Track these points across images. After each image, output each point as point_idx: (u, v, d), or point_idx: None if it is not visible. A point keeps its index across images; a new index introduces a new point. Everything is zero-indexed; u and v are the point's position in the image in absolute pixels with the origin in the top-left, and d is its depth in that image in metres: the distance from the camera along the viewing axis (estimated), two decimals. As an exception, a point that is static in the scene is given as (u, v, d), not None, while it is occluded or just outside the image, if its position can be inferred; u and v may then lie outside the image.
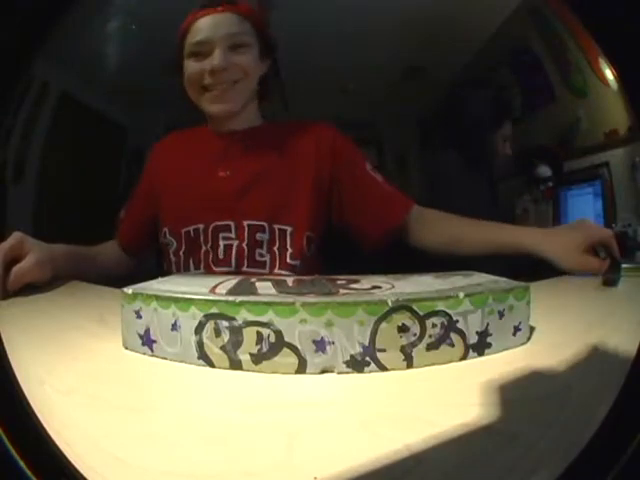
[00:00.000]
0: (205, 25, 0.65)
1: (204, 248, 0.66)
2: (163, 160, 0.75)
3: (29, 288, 0.50)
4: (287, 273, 0.64)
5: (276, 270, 0.64)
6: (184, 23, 0.67)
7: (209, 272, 0.65)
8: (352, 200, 0.68)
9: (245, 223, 0.64)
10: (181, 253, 0.68)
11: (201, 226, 0.66)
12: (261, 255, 0.65)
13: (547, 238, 0.58)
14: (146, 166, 0.76)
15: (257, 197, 0.66)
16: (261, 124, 0.73)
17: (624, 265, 0.56)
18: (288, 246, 0.64)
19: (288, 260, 0.64)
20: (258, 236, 0.64)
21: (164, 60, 0.72)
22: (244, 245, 0.65)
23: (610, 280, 0.50)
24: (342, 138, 0.70)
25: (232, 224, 0.65)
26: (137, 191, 0.76)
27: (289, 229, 0.65)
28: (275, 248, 0.65)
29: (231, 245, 0.65)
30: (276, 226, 0.65)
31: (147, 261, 0.78)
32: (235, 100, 0.68)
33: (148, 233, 0.73)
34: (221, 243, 0.65)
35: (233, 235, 0.65)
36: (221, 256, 0.65)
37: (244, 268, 0.64)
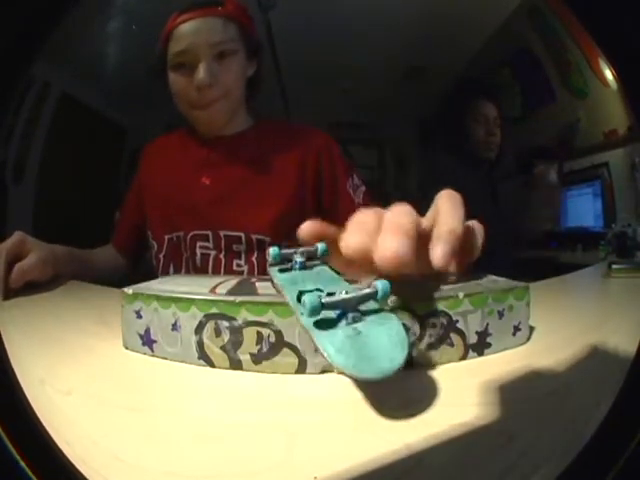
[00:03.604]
0: (187, 32, 0.60)
1: (185, 255, 0.66)
2: (151, 164, 0.74)
3: (29, 288, 0.50)
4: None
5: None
6: (165, 29, 0.62)
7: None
8: (328, 214, 0.67)
9: (222, 233, 0.63)
10: (161, 256, 0.68)
11: (181, 234, 0.66)
12: (239, 265, 0.64)
13: None
14: (138, 169, 0.76)
15: (235, 207, 0.64)
16: (249, 127, 0.71)
17: (623, 265, 0.56)
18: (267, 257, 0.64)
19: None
20: (235, 247, 0.63)
21: (150, 66, 0.68)
22: (221, 256, 0.64)
23: None
24: (330, 149, 0.67)
25: (210, 234, 0.64)
26: (130, 193, 0.76)
27: (267, 239, 0.63)
28: (253, 258, 0.63)
29: (208, 255, 0.64)
30: (253, 236, 0.63)
31: (148, 261, 0.78)
32: (222, 117, 0.65)
33: (141, 235, 0.73)
34: (198, 252, 0.64)
35: (211, 245, 0.64)
36: (198, 264, 0.65)
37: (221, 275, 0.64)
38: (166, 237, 0.67)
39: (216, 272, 0.64)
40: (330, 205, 0.67)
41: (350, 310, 0.22)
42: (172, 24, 0.61)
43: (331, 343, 0.20)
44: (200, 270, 0.65)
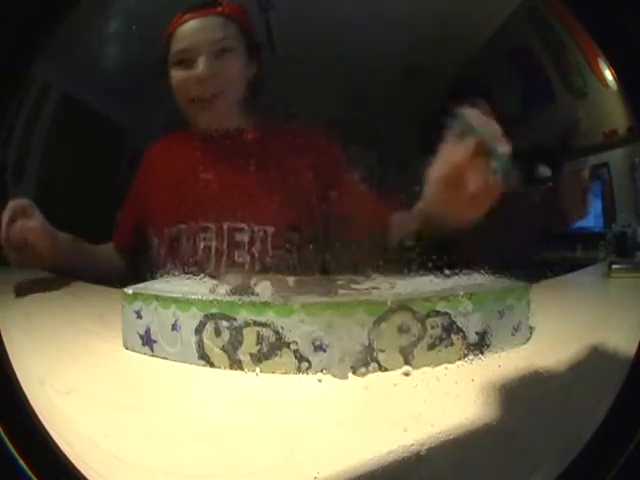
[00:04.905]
0: (189, 31, 0.63)
1: (184, 248, 0.69)
2: (152, 164, 0.78)
3: (31, 287, 0.50)
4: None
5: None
6: (169, 29, 0.65)
7: (190, 272, 0.68)
8: (332, 205, 0.69)
9: (225, 225, 0.67)
10: (162, 251, 0.70)
11: (183, 227, 0.69)
12: (240, 256, 0.67)
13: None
14: (140, 169, 0.79)
15: (237, 199, 0.68)
16: (247, 124, 0.74)
17: (623, 265, 0.56)
18: (269, 247, 0.66)
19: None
20: (237, 237, 0.66)
21: (153, 67, 0.74)
22: (223, 247, 0.66)
23: None
24: (331, 145, 0.70)
25: (212, 226, 0.66)
26: (131, 193, 0.78)
27: (270, 230, 0.67)
28: (254, 249, 0.66)
29: (209, 246, 0.67)
30: (257, 227, 0.66)
31: (147, 261, 0.78)
32: (221, 112, 0.66)
33: (142, 235, 0.75)
34: (201, 244, 0.67)
35: (212, 236, 0.68)
36: (200, 256, 0.67)
37: (222, 268, 0.66)
38: (166, 231, 0.70)
39: (217, 263, 0.66)
40: (334, 197, 0.69)
41: None
42: (175, 24, 0.64)
43: None
44: (201, 262, 0.67)
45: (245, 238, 0.66)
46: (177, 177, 0.72)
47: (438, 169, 0.41)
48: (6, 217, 0.49)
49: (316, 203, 0.69)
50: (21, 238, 0.50)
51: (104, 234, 0.80)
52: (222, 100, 0.64)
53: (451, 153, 0.40)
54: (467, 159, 0.37)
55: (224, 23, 0.64)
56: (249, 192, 0.68)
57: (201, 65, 0.61)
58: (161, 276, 0.41)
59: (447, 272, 0.37)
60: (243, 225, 0.64)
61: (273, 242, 0.65)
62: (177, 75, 0.64)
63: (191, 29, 0.63)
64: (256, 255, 0.65)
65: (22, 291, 0.48)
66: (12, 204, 0.51)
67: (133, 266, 0.79)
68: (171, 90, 0.66)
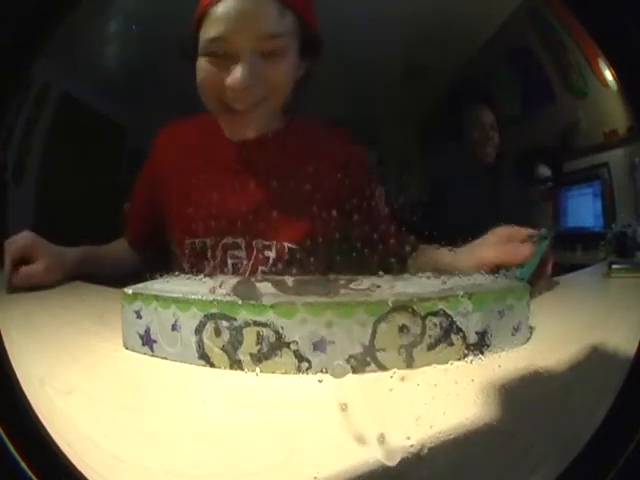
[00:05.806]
0: (228, 14, 0.48)
1: (212, 264, 0.63)
2: (166, 154, 0.66)
3: (34, 288, 0.50)
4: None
5: None
6: (198, 8, 0.50)
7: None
8: (354, 221, 0.64)
9: (254, 242, 0.60)
10: (183, 265, 0.66)
11: (208, 241, 0.63)
12: (263, 272, 0.63)
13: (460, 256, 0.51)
14: (149, 159, 0.70)
15: (270, 215, 0.59)
16: (282, 127, 0.62)
17: (623, 265, 0.56)
18: (293, 264, 0.61)
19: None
20: (264, 255, 0.61)
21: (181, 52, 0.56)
22: (251, 264, 0.62)
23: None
24: (363, 154, 0.61)
25: (242, 242, 0.60)
26: (139, 185, 0.71)
27: (298, 248, 0.62)
28: (279, 265, 0.62)
29: (238, 264, 0.62)
30: (286, 245, 0.61)
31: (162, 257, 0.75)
32: (259, 125, 0.55)
33: (154, 229, 0.69)
34: (229, 261, 0.63)
35: (242, 254, 0.64)
36: (229, 274, 0.63)
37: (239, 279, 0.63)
38: (187, 242, 0.64)
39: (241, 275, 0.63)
40: (359, 212, 0.64)
41: None
42: (208, 1, 0.49)
43: None
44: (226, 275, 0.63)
45: (272, 255, 0.60)
46: (201, 183, 0.64)
47: (495, 255, 0.44)
48: (7, 264, 0.47)
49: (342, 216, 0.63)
50: (27, 284, 0.49)
51: (109, 233, 0.78)
52: (261, 111, 0.54)
53: (521, 250, 0.45)
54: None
55: (280, 11, 0.49)
56: (281, 207, 0.62)
57: (241, 71, 0.48)
58: (161, 276, 0.41)
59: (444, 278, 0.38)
60: (272, 242, 0.60)
61: (295, 257, 0.61)
62: (207, 70, 0.51)
63: (231, 13, 0.48)
64: (277, 270, 0.62)
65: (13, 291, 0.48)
66: (11, 247, 0.49)
67: (148, 259, 0.75)
68: (193, 80, 0.54)
